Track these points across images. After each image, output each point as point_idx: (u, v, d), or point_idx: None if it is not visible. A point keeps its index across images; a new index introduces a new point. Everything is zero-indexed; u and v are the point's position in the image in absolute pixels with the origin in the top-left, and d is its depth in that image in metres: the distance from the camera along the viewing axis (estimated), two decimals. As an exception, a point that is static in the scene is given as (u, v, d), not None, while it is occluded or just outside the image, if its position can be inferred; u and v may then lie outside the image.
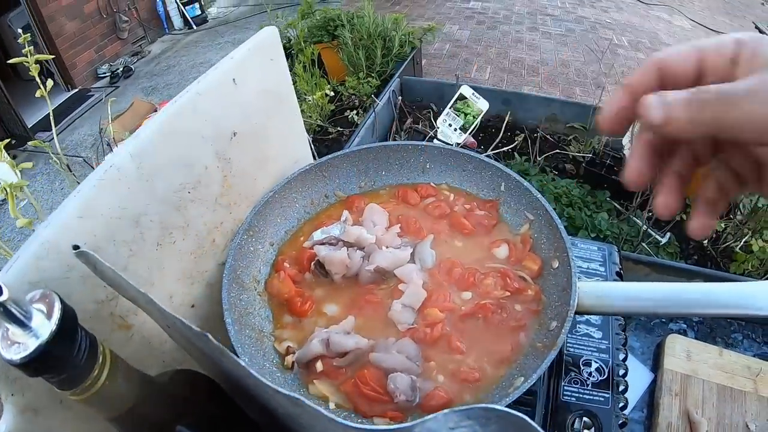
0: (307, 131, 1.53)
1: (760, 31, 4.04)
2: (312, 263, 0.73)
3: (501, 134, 1.44)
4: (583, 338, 0.80)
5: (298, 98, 1.59)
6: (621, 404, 0.73)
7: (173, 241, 0.65)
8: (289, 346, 0.66)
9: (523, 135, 1.57)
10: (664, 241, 1.46)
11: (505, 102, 1.80)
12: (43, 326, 0.35)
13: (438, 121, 1.42)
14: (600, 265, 0.92)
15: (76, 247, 0.46)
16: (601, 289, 0.70)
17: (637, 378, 1.07)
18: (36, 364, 0.35)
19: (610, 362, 0.77)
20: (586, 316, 0.82)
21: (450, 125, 1.41)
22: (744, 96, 0.31)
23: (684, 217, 1.66)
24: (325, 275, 0.73)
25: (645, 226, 1.46)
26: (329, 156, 0.85)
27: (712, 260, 1.53)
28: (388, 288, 0.72)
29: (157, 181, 0.61)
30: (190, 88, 0.67)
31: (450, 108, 1.41)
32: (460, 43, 4.76)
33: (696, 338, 1.18)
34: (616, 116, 0.37)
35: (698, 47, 0.35)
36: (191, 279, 0.69)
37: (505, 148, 1.46)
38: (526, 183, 0.79)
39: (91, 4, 4.59)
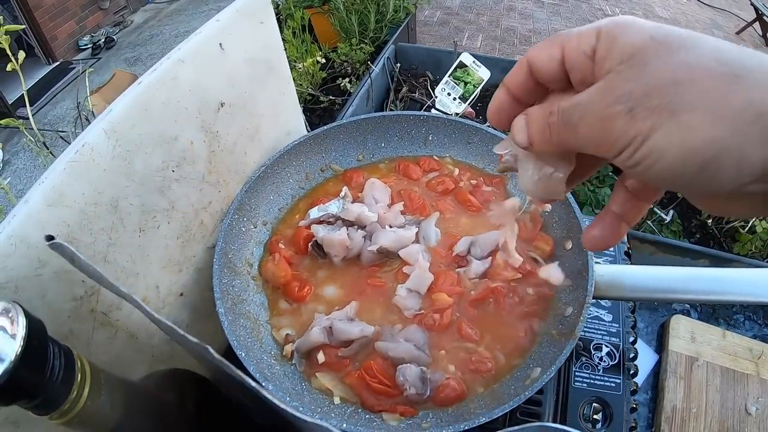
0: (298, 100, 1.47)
1: (756, 9, 3.92)
2: (309, 244, 0.68)
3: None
4: (594, 321, 0.77)
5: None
6: (631, 389, 0.71)
7: (157, 225, 0.59)
8: (288, 334, 0.62)
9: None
10: (667, 219, 1.43)
11: (504, 71, 1.66)
12: (7, 347, 0.29)
13: (437, 90, 1.35)
14: None
15: (50, 238, 0.41)
16: (617, 273, 0.66)
17: (643, 360, 1.05)
18: (3, 392, 0.29)
19: (621, 346, 0.74)
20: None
21: (449, 94, 1.35)
22: (581, 116, 0.29)
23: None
24: (323, 256, 0.68)
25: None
26: (325, 127, 0.79)
27: (715, 239, 1.50)
28: (391, 270, 0.68)
29: (135, 160, 0.55)
30: (170, 55, 0.60)
31: (449, 76, 1.34)
32: (451, 11, 4.66)
33: (699, 319, 1.17)
34: (499, 115, 0.36)
35: (561, 42, 0.31)
36: (179, 266, 0.63)
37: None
38: None
39: (71, -27, 4.42)
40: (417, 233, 0.69)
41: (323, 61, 1.47)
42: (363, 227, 0.69)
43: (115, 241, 0.54)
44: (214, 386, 0.52)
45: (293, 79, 1.41)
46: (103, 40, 4.51)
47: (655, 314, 1.18)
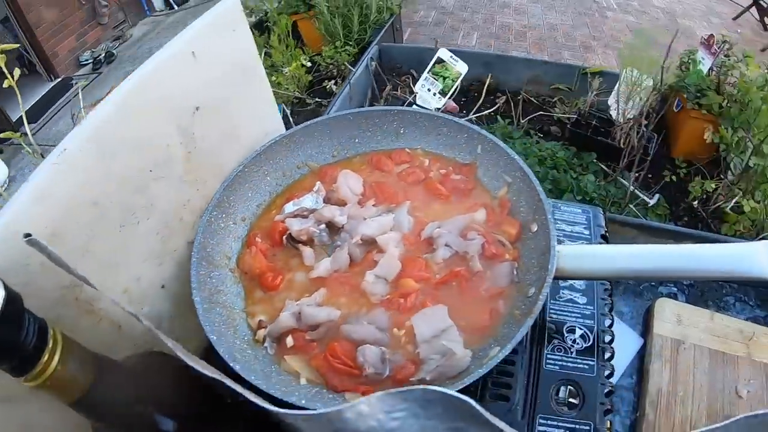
0: (285, 103, 1.51)
1: (759, 6, 3.93)
2: (284, 237, 0.72)
3: (482, 97, 1.41)
4: (567, 304, 0.78)
5: (275, 70, 1.56)
6: (607, 372, 0.71)
7: (137, 221, 0.63)
8: (261, 320, 0.65)
9: (504, 97, 1.53)
10: (652, 202, 1.45)
11: (486, 65, 1.76)
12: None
13: (416, 86, 1.39)
14: (585, 228, 0.90)
15: (27, 235, 0.45)
16: (582, 252, 0.68)
17: (626, 343, 1.05)
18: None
19: (596, 329, 0.75)
20: (570, 282, 0.80)
21: (429, 90, 1.39)
22: None
23: (673, 178, 1.65)
24: (296, 248, 0.72)
25: (632, 187, 1.44)
26: (300, 126, 0.82)
27: (703, 222, 1.51)
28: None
29: (115, 162, 0.59)
30: (146, 64, 0.65)
31: (428, 72, 1.38)
32: (445, 10, 4.71)
33: (687, 302, 1.15)
34: None
35: None
36: (159, 259, 0.67)
37: (486, 112, 1.43)
38: (502, 144, 0.77)
39: (69, -9, 4.49)
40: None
41: (309, 64, 1.51)
42: (338, 229, 0.72)
43: (97, 235, 0.58)
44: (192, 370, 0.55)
45: (280, 83, 1.46)
46: (103, 55, 4.59)
47: (640, 298, 1.17)
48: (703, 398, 0.94)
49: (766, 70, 1.54)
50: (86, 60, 4.58)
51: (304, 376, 0.60)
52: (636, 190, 1.45)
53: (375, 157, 0.83)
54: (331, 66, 1.54)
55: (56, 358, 0.38)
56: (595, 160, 1.56)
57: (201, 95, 0.70)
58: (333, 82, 1.44)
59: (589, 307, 0.78)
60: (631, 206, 1.38)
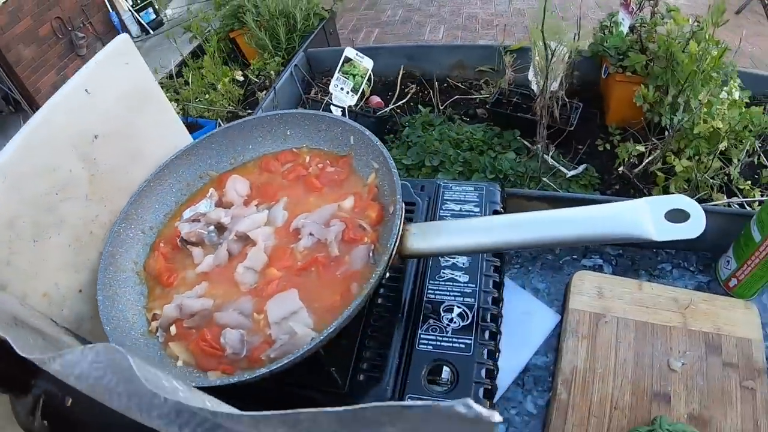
0: (220, 117, 1.63)
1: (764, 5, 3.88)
2: (178, 239, 0.83)
3: (397, 89, 1.51)
4: (447, 283, 0.80)
5: (210, 88, 1.68)
6: (487, 350, 0.71)
7: (49, 236, 0.76)
8: (155, 314, 0.76)
9: (415, 87, 1.61)
10: (571, 173, 1.46)
11: (408, 57, 1.83)
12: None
13: (330, 87, 1.49)
14: (475, 206, 0.92)
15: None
16: (433, 228, 0.70)
17: (540, 321, 1.05)
18: None
19: (476, 306, 0.76)
20: (453, 260, 0.83)
21: (342, 89, 1.48)
22: None
23: (607, 146, 1.63)
24: (194, 245, 0.83)
25: (550, 160, 1.44)
26: (197, 140, 0.94)
27: (635, 187, 1.47)
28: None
29: (24, 188, 0.72)
30: (46, 104, 0.77)
31: (338, 72, 1.48)
32: (412, 7, 4.78)
33: (614, 273, 1.12)
34: None
35: None
36: (75, 267, 0.79)
37: (399, 102, 1.53)
38: (367, 133, 0.84)
39: (45, 27, 4.62)
40: (267, 216, 0.82)
41: (242, 79, 1.63)
42: (224, 228, 0.82)
43: (15, 250, 0.70)
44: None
45: (212, 100, 1.58)
46: (84, 85, 4.71)
47: (559, 273, 1.15)
48: (626, 373, 0.91)
49: (695, 23, 1.44)
50: (69, 92, 4.72)
51: (181, 359, 0.69)
52: (555, 162, 1.50)
53: (264, 160, 0.94)
54: (261, 77, 1.65)
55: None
56: (519, 137, 1.60)
57: (98, 124, 0.83)
58: (264, 92, 1.55)
59: (470, 285, 0.79)
60: (545, 179, 1.40)
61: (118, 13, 5.47)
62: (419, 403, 0.27)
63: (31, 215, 0.73)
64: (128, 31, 5.61)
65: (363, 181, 0.86)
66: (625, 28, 1.68)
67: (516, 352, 1.01)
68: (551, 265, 1.17)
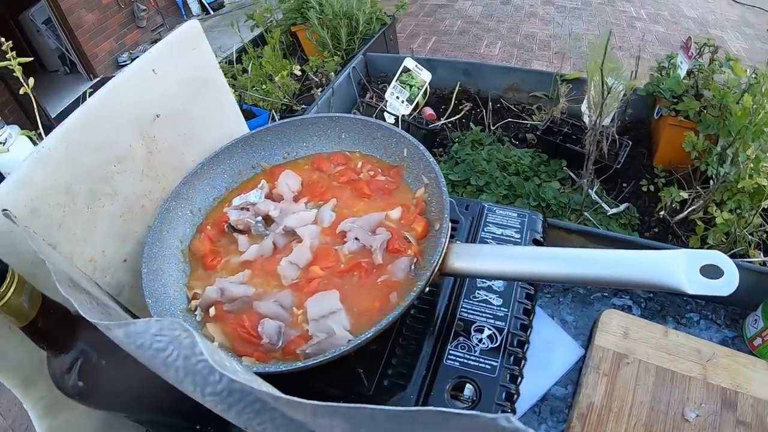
0: (274, 109, 1.65)
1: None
2: (226, 225, 0.85)
3: (452, 105, 1.51)
4: (481, 304, 0.81)
5: (268, 79, 1.70)
6: (511, 374, 0.72)
7: (102, 205, 0.77)
8: (196, 293, 0.77)
9: (469, 105, 1.61)
10: (612, 211, 1.44)
11: (465, 73, 1.84)
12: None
13: (386, 94, 1.50)
14: (516, 232, 0.92)
15: (4, 210, 0.59)
16: (475, 251, 0.71)
17: (564, 352, 1.04)
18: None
19: (506, 330, 0.77)
20: (489, 283, 0.84)
21: (397, 97, 1.49)
22: None
23: (651, 188, 1.59)
24: (241, 233, 0.84)
25: (594, 195, 1.42)
26: (255, 130, 0.95)
27: (673, 233, 1.44)
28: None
29: (83, 158, 0.74)
30: (110, 83, 0.79)
31: (396, 81, 1.48)
32: (471, 19, 4.76)
33: (642, 315, 1.11)
34: None
35: None
36: (122, 237, 0.81)
37: (453, 118, 1.52)
38: (422, 148, 0.84)
39: (109, -5, 4.77)
40: (316, 215, 0.83)
41: (299, 73, 1.65)
42: (272, 221, 0.84)
43: (68, 213, 0.72)
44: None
45: (269, 91, 1.60)
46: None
47: (589, 308, 1.15)
48: (641, 416, 0.90)
49: (753, 75, 1.41)
50: (124, 61, 4.84)
51: (217, 341, 0.71)
52: (599, 198, 1.48)
53: (317, 158, 0.95)
54: (319, 75, 1.67)
55: (12, 290, 0.52)
56: (565, 168, 1.59)
57: (161, 104, 0.84)
58: (320, 89, 1.57)
59: (503, 309, 0.80)
60: (587, 214, 1.40)
61: (181, -10, 5.60)
62: (466, 411, 0.28)
63: (88, 183, 0.75)
64: (189, 9, 5.74)
65: (412, 194, 0.87)
66: (682, 72, 1.66)
67: (536, 379, 1.01)
68: (582, 299, 1.17)
